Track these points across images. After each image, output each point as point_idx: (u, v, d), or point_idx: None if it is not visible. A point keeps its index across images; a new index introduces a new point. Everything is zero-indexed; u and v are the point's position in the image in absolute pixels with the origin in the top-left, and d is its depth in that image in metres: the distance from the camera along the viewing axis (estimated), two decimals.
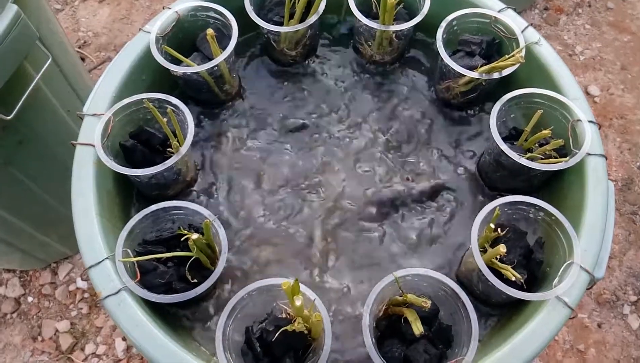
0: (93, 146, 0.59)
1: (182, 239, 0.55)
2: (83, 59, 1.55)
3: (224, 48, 0.67)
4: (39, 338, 1.18)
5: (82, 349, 1.17)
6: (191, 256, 0.55)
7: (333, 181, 0.69)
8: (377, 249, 0.65)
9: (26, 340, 1.18)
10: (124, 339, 1.17)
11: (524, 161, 0.60)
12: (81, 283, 1.23)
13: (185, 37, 0.71)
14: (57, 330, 1.18)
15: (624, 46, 1.59)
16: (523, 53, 0.66)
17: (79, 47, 1.57)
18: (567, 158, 0.61)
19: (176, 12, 0.69)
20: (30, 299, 1.22)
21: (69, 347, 1.16)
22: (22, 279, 1.24)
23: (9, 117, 0.78)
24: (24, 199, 0.96)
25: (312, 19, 0.70)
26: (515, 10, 0.72)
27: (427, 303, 0.51)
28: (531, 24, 0.70)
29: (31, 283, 1.23)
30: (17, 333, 1.18)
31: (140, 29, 0.68)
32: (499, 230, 0.56)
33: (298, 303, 0.47)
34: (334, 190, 0.68)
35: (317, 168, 0.70)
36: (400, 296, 0.54)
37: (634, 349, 1.17)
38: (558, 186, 0.64)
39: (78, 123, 0.99)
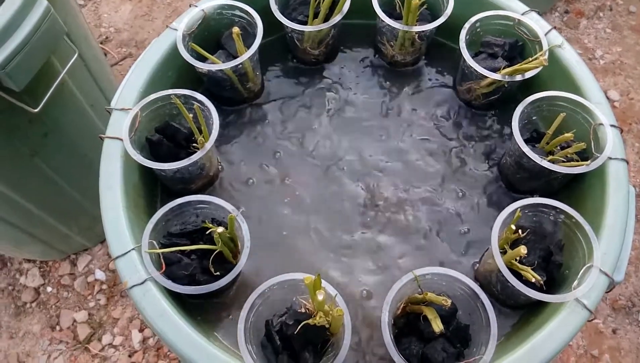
0: (121, 139, 0.60)
1: (208, 232, 0.56)
2: (105, 55, 1.57)
3: (248, 46, 0.68)
4: (57, 328, 1.20)
5: (99, 339, 1.19)
6: (214, 250, 0.56)
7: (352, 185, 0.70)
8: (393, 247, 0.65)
9: (45, 329, 1.20)
10: (140, 330, 1.19)
11: (545, 163, 0.60)
12: (100, 275, 1.25)
13: (210, 35, 0.72)
14: (75, 320, 1.21)
15: None
16: (546, 56, 0.66)
17: (101, 43, 1.59)
18: (589, 161, 0.61)
19: (202, 10, 0.70)
20: (49, 289, 1.24)
21: (86, 337, 1.18)
22: (41, 269, 1.26)
23: (35, 110, 0.80)
24: (48, 191, 0.98)
25: (336, 18, 0.70)
26: (539, 13, 0.72)
27: (448, 302, 0.51)
28: (554, 27, 0.70)
29: (50, 274, 1.26)
30: (36, 322, 1.21)
31: (167, 26, 0.69)
32: (519, 231, 0.56)
33: (320, 297, 0.48)
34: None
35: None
36: (420, 294, 0.55)
37: None
38: (578, 189, 0.65)
39: (101, 117, 1.02)
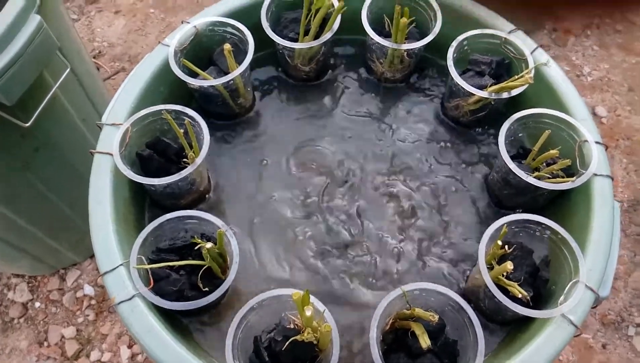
0: (111, 154, 0.60)
1: (196, 248, 0.56)
2: (97, 69, 1.58)
3: (239, 63, 0.69)
4: (45, 344, 1.19)
5: (88, 355, 1.17)
6: (203, 265, 0.56)
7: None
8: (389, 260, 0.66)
9: (32, 345, 1.19)
10: (129, 347, 1.17)
11: (531, 179, 0.61)
12: (88, 290, 1.24)
13: (202, 51, 0.73)
14: (63, 336, 1.19)
15: (631, 68, 1.61)
16: (532, 74, 0.67)
17: (94, 57, 1.60)
18: (574, 177, 0.62)
19: (195, 26, 0.71)
20: (37, 304, 1.23)
21: (74, 353, 1.17)
22: (30, 284, 1.25)
23: (27, 125, 0.80)
24: (38, 205, 0.97)
25: (327, 36, 0.71)
26: (525, 32, 0.73)
27: (435, 317, 0.52)
28: (540, 45, 0.71)
29: (39, 289, 1.24)
30: (23, 338, 1.19)
31: (159, 42, 0.70)
32: (506, 247, 0.57)
33: (308, 313, 0.48)
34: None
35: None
36: (408, 310, 0.55)
37: None
38: (564, 206, 0.65)
39: (93, 132, 1.02)
